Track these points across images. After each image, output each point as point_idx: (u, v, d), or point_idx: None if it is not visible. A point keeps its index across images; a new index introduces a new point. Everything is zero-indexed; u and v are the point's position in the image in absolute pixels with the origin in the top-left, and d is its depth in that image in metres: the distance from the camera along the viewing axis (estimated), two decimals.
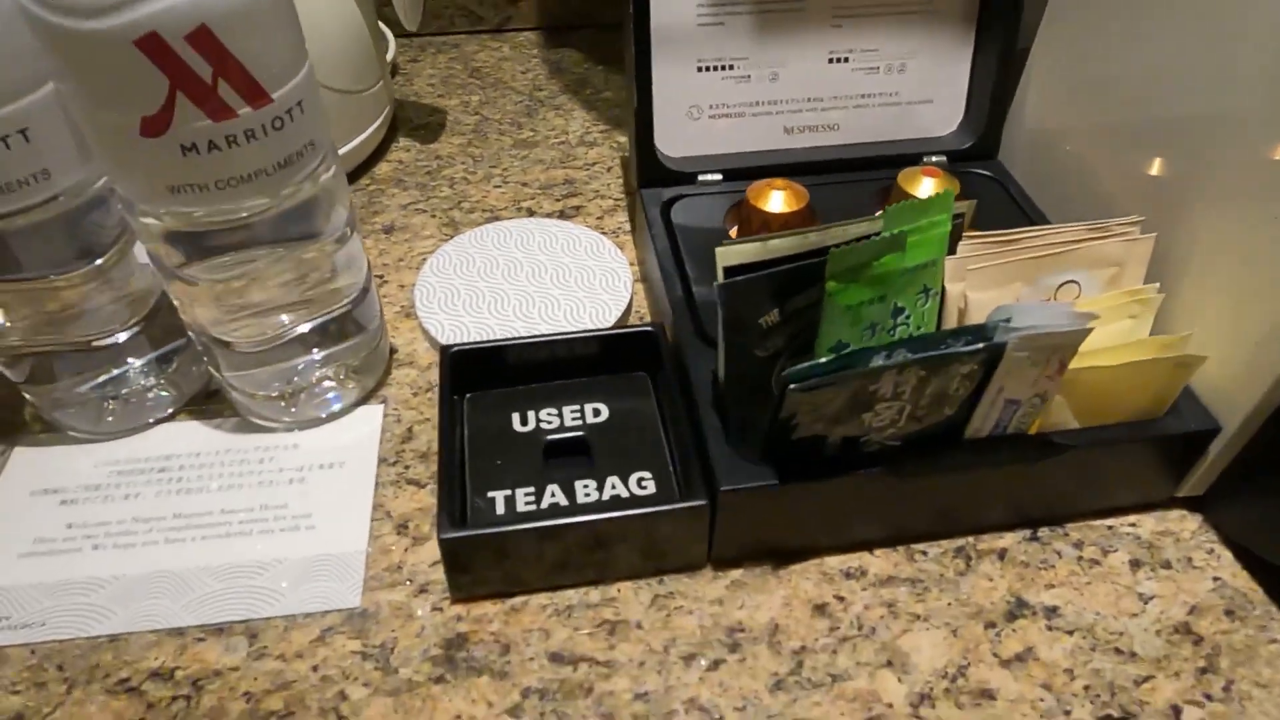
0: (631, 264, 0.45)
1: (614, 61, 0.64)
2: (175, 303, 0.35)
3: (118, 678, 0.30)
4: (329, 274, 0.35)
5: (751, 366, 0.31)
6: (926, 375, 0.28)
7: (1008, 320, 0.28)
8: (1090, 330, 0.28)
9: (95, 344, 0.35)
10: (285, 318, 0.35)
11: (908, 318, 0.31)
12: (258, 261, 0.33)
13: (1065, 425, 0.32)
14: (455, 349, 0.36)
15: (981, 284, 0.32)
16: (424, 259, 0.46)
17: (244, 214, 0.31)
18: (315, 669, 0.30)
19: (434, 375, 0.41)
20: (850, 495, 0.32)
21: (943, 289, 0.32)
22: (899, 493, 0.32)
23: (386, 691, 0.30)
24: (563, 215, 0.50)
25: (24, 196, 0.30)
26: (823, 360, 0.27)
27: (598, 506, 0.33)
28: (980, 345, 0.28)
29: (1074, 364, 0.29)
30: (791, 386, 0.27)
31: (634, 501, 0.33)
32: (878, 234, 0.29)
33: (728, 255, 0.29)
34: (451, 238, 0.47)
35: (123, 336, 0.36)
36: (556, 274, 0.44)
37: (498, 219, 0.49)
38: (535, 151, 0.55)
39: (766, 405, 0.31)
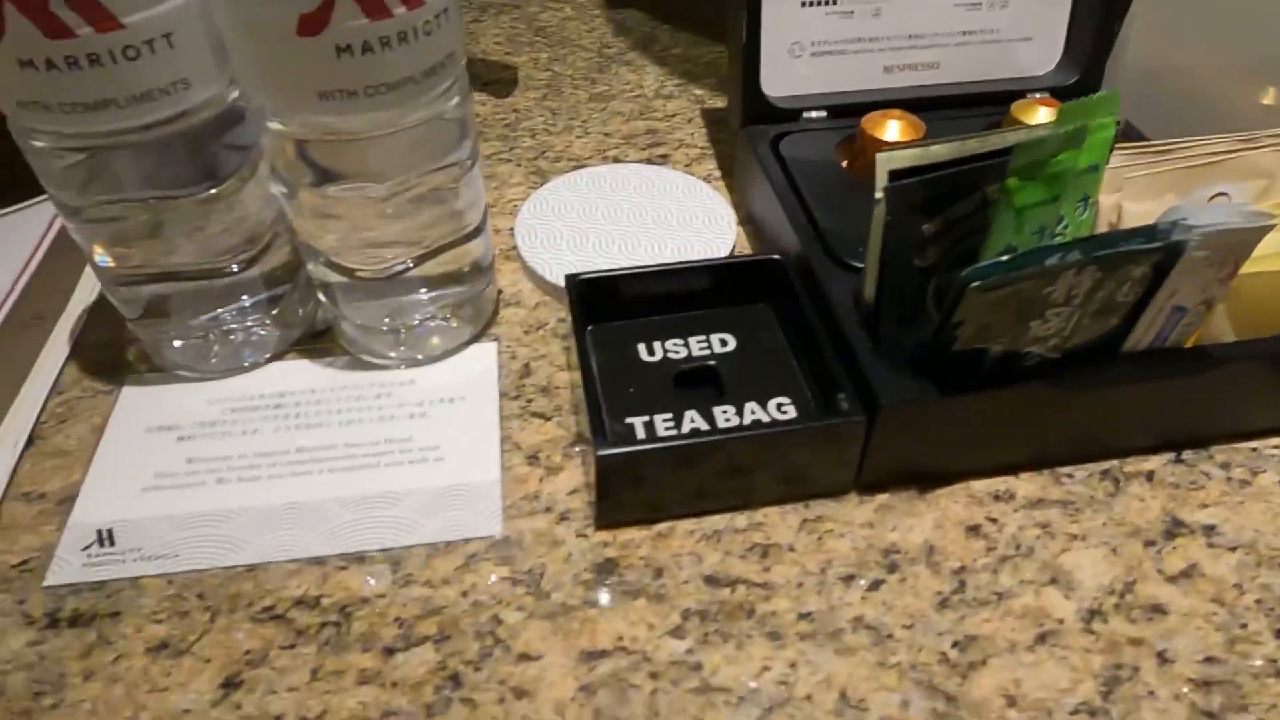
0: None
1: (678, 20, 0.63)
2: (296, 226, 0.34)
3: (261, 605, 0.29)
4: (452, 203, 0.34)
5: (908, 279, 0.30)
6: (1101, 277, 0.27)
7: (1183, 220, 0.27)
8: (1271, 227, 0.27)
9: (209, 276, 0.34)
10: (406, 247, 0.34)
11: (1065, 228, 0.30)
12: (386, 184, 0.32)
13: (1222, 338, 0.32)
14: (581, 277, 0.35)
15: (1136, 194, 0.31)
16: (516, 206, 0.45)
17: (385, 129, 0.30)
18: (465, 594, 0.29)
19: (543, 314, 0.40)
20: (1009, 410, 0.31)
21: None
22: (1055, 408, 0.31)
23: (542, 615, 0.29)
24: (650, 164, 0.49)
25: (162, 107, 0.29)
26: (1003, 258, 0.26)
27: (742, 430, 0.32)
28: (1160, 243, 0.27)
29: (1241, 270, 0.29)
30: (973, 284, 0.26)
31: (779, 425, 0.32)
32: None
33: (891, 160, 0.29)
34: (541, 185, 0.46)
35: (235, 269, 0.35)
36: (658, 216, 0.43)
37: (584, 167, 0.48)
38: (613, 104, 0.54)
39: (921, 322, 0.31)
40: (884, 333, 0.31)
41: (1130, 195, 0.31)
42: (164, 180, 0.31)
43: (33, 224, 0.43)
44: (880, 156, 0.29)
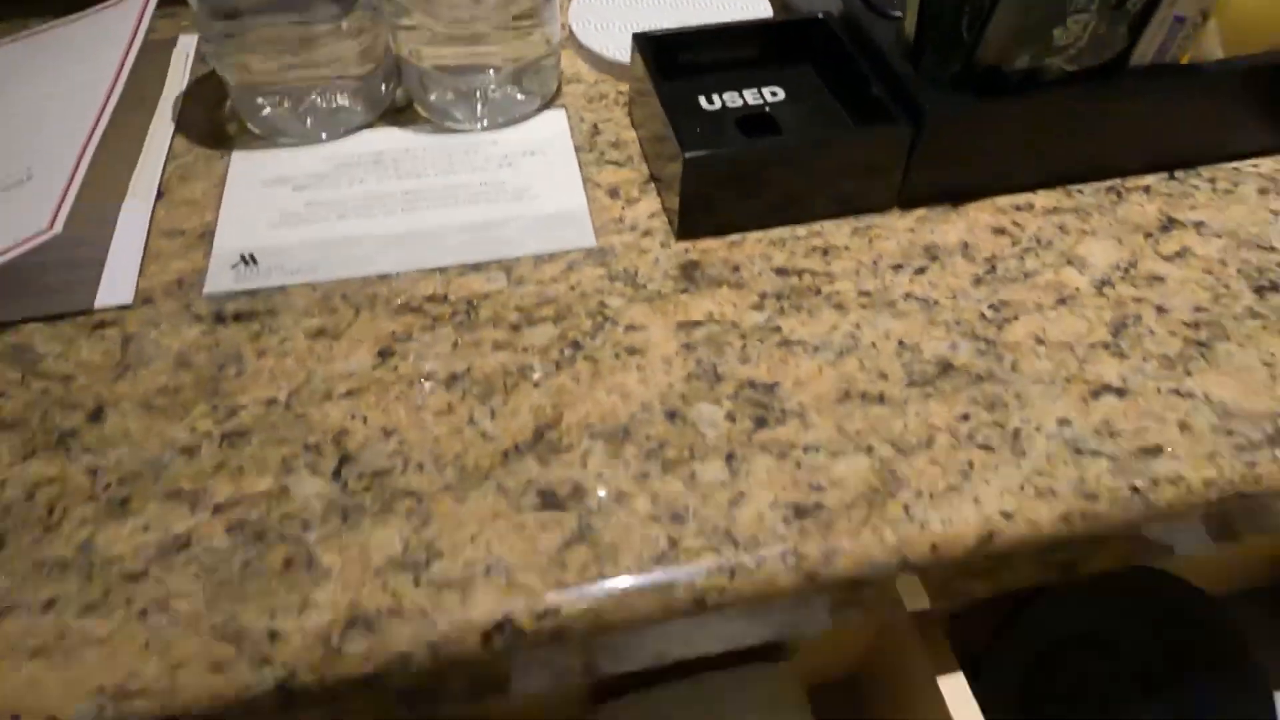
0: None
1: None
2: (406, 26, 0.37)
3: (397, 303, 0.34)
4: None
5: (945, 8, 0.35)
6: None
7: None
8: None
9: (306, 25, 0.38)
10: (489, 10, 0.38)
11: None
12: None
13: (1213, 56, 0.36)
14: (645, 35, 0.39)
15: None
16: (564, 5, 0.49)
17: None
18: (572, 288, 0.34)
19: (603, 88, 0.44)
20: (1032, 121, 0.36)
21: None
22: (1071, 119, 0.36)
23: (641, 300, 0.34)
24: None
25: None
26: None
27: (807, 138, 0.37)
28: None
29: None
30: None
31: (839, 132, 0.37)
32: None
33: None
34: None
35: (331, 36, 0.38)
36: (701, 1, 0.47)
37: None
38: None
39: (957, 51, 0.35)
40: (925, 62, 0.36)
41: None
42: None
43: (121, 21, 0.46)
44: None
